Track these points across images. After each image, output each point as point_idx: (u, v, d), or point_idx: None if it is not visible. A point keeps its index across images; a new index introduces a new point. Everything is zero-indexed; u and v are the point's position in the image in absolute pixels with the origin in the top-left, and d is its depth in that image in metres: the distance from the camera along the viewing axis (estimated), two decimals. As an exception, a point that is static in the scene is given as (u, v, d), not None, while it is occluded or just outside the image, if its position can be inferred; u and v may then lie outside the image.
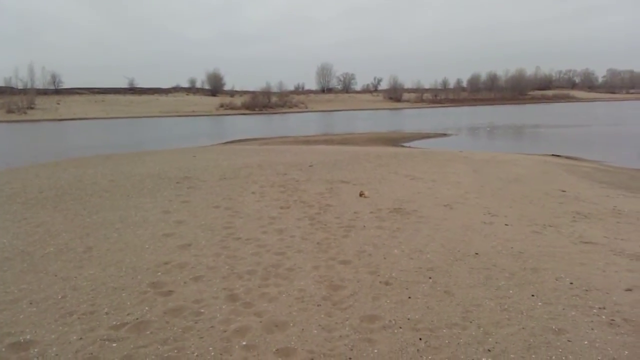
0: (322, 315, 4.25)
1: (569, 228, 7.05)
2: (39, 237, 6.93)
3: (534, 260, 5.55)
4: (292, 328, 4.02)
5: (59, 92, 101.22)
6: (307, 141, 28.70)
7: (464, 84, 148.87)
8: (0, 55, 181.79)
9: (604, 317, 4.08)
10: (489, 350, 3.58)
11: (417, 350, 3.62)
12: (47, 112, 79.54)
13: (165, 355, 3.62)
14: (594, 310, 4.20)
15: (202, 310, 4.38)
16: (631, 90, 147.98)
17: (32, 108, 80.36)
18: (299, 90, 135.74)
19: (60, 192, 10.64)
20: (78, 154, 22.22)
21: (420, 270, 5.33)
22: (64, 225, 7.60)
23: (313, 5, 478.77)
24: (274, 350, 3.68)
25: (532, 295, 4.56)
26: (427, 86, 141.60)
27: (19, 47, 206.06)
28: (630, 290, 4.65)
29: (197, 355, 3.60)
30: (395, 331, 3.92)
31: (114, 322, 4.15)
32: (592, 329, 3.86)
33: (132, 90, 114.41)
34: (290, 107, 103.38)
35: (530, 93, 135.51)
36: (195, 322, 4.14)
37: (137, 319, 4.22)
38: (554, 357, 3.46)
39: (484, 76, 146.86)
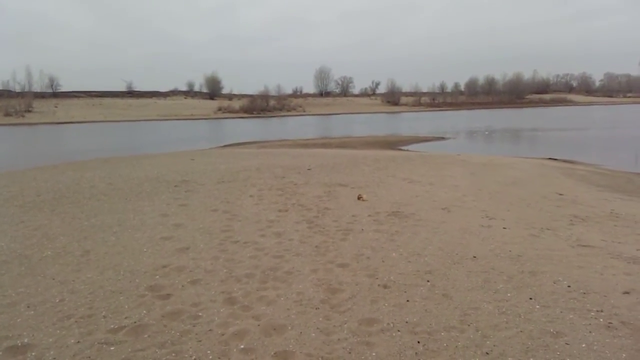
0: (321, 319, 4.25)
1: (566, 231, 7.07)
2: (36, 241, 6.92)
3: (532, 264, 5.56)
4: (291, 331, 4.02)
5: (56, 95, 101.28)
6: (306, 144, 28.73)
7: (462, 87, 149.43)
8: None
9: (601, 320, 4.09)
10: (487, 353, 3.58)
11: (416, 353, 3.63)
12: (44, 115, 79.50)
13: (164, 358, 3.61)
14: (592, 313, 4.21)
15: (200, 314, 4.37)
16: (628, 94, 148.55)
17: (29, 111, 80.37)
18: (297, 94, 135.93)
19: (58, 195, 10.62)
20: (76, 157, 22.19)
21: (419, 273, 5.33)
22: (62, 229, 7.58)
23: (310, 9, 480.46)
24: (272, 353, 3.68)
25: (530, 298, 4.57)
26: (424, 90, 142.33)
27: (17, 49, 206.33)
28: (627, 293, 4.66)
29: (195, 359, 3.60)
30: (394, 334, 3.92)
31: (112, 326, 4.14)
32: (590, 332, 3.87)
33: (130, 93, 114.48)
34: (288, 111, 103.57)
35: (527, 97, 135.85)
36: (194, 326, 4.13)
37: (135, 322, 4.22)
38: (552, 360, 3.46)
39: (481, 80, 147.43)
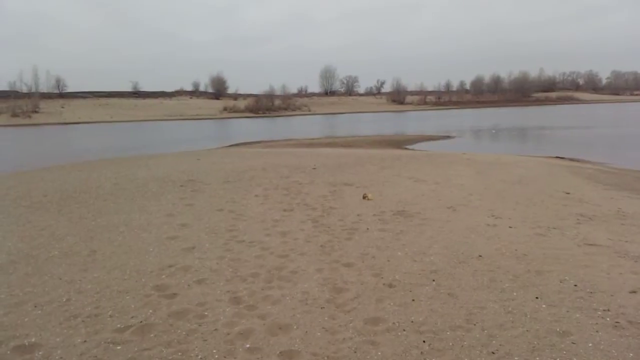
0: (326, 318, 4.25)
1: (573, 230, 7.03)
2: (43, 241, 6.97)
3: (538, 263, 5.53)
4: (296, 330, 4.03)
5: (63, 95, 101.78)
6: (311, 144, 28.72)
7: (468, 86, 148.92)
8: (5, 59, 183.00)
9: (608, 319, 4.06)
10: (493, 353, 3.57)
11: (421, 352, 3.62)
12: (51, 115, 79.92)
13: (170, 357, 3.63)
14: (599, 313, 4.19)
15: (206, 313, 4.39)
16: (635, 92, 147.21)
17: (36, 112, 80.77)
18: (302, 93, 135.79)
19: (65, 195, 10.69)
20: (82, 157, 22.31)
21: (424, 272, 5.32)
22: (69, 229, 7.63)
23: (316, 8, 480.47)
24: (277, 352, 3.69)
25: (536, 298, 4.55)
26: (430, 88, 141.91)
27: (23, 51, 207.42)
28: (634, 292, 4.63)
29: (201, 358, 3.61)
30: (399, 334, 3.92)
31: (118, 325, 4.17)
32: (597, 331, 3.84)
33: (136, 94, 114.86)
34: (293, 110, 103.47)
35: (533, 95, 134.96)
36: (199, 325, 4.15)
37: (141, 321, 4.24)
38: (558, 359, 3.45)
39: (487, 78, 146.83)
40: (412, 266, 5.53)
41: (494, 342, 3.73)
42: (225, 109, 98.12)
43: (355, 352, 3.66)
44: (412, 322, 4.12)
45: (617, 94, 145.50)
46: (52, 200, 10.18)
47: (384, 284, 5.00)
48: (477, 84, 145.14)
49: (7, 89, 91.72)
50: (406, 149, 25.51)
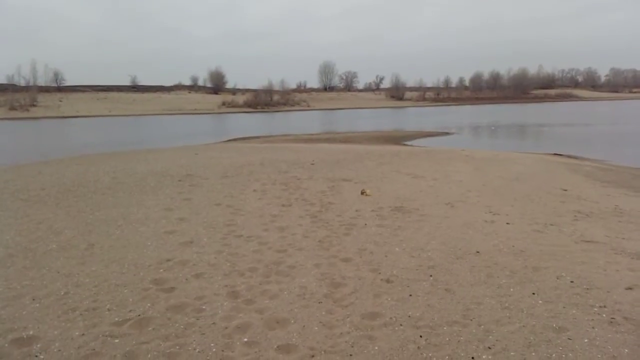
0: (323, 312, 4.27)
1: (570, 227, 7.05)
2: (41, 234, 6.96)
3: (535, 259, 5.56)
4: (293, 325, 4.04)
5: (61, 89, 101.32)
6: (309, 139, 28.70)
7: (467, 82, 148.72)
8: (3, 52, 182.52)
9: (604, 315, 4.08)
10: (489, 348, 3.59)
11: (418, 347, 3.64)
12: (49, 109, 79.63)
13: (167, 351, 3.64)
14: (595, 309, 4.21)
15: (204, 307, 4.40)
16: (634, 89, 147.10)
17: (34, 105, 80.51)
18: (301, 89, 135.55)
19: (63, 189, 10.67)
20: (80, 151, 22.26)
21: (421, 268, 5.34)
22: (67, 222, 7.63)
23: (315, 3, 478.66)
24: (275, 346, 3.70)
25: (533, 294, 4.57)
26: (429, 85, 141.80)
27: (21, 44, 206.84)
28: (630, 288, 4.65)
29: (198, 352, 3.62)
30: (396, 328, 3.94)
31: (116, 319, 4.18)
32: (593, 327, 3.87)
33: (135, 88, 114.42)
34: (292, 106, 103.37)
35: (533, 92, 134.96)
36: (197, 319, 4.16)
37: (139, 315, 4.25)
38: (554, 355, 3.47)
39: (486, 75, 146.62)
40: (409, 262, 5.54)
41: (490, 337, 3.75)
42: (223, 103, 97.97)
43: (352, 346, 3.67)
44: (409, 317, 4.14)
45: (616, 92, 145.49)
46: (50, 193, 10.16)
47: (381, 279, 5.02)
48: (476, 81, 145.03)
49: (5, 82, 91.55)
50: (405, 145, 25.52)
